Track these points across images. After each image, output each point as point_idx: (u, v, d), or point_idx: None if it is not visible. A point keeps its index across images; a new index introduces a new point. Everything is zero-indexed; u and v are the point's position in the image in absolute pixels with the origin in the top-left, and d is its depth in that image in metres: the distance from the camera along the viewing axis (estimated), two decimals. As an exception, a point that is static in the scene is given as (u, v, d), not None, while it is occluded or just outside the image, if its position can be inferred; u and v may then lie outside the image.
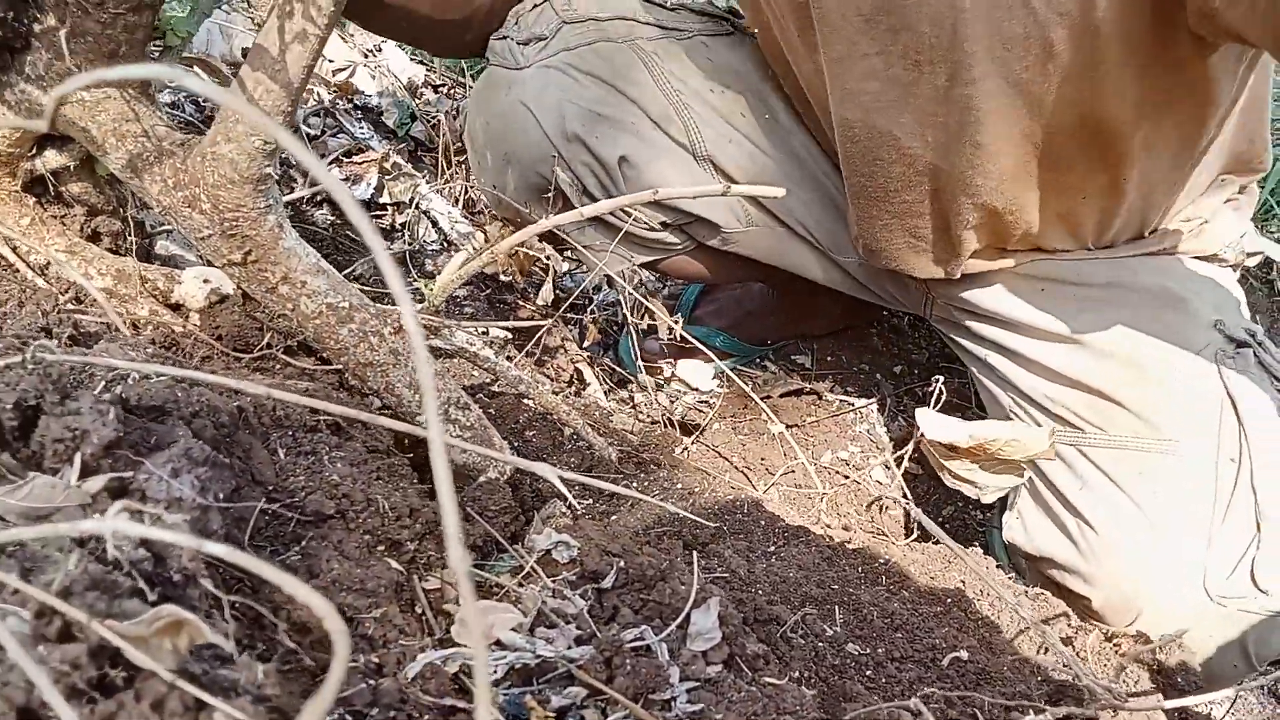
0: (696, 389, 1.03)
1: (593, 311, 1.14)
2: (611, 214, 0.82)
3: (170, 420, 0.37)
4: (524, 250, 0.72)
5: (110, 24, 0.52)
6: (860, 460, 1.00)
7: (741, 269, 0.96)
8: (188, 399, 0.38)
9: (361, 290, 0.57)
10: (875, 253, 0.79)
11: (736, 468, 0.96)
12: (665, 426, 0.96)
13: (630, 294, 0.83)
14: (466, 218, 1.09)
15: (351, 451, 0.45)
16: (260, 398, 0.43)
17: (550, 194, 0.80)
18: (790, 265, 0.91)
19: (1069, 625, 0.63)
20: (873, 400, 1.08)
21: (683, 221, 0.87)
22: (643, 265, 0.92)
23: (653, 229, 0.87)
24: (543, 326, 0.61)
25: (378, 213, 1.03)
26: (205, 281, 0.59)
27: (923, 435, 0.71)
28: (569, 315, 1.22)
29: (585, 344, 1.22)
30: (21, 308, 0.52)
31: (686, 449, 0.93)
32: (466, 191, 1.14)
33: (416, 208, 1.00)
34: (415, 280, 0.88)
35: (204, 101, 0.94)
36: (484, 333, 0.60)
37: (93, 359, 0.35)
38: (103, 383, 0.35)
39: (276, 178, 0.51)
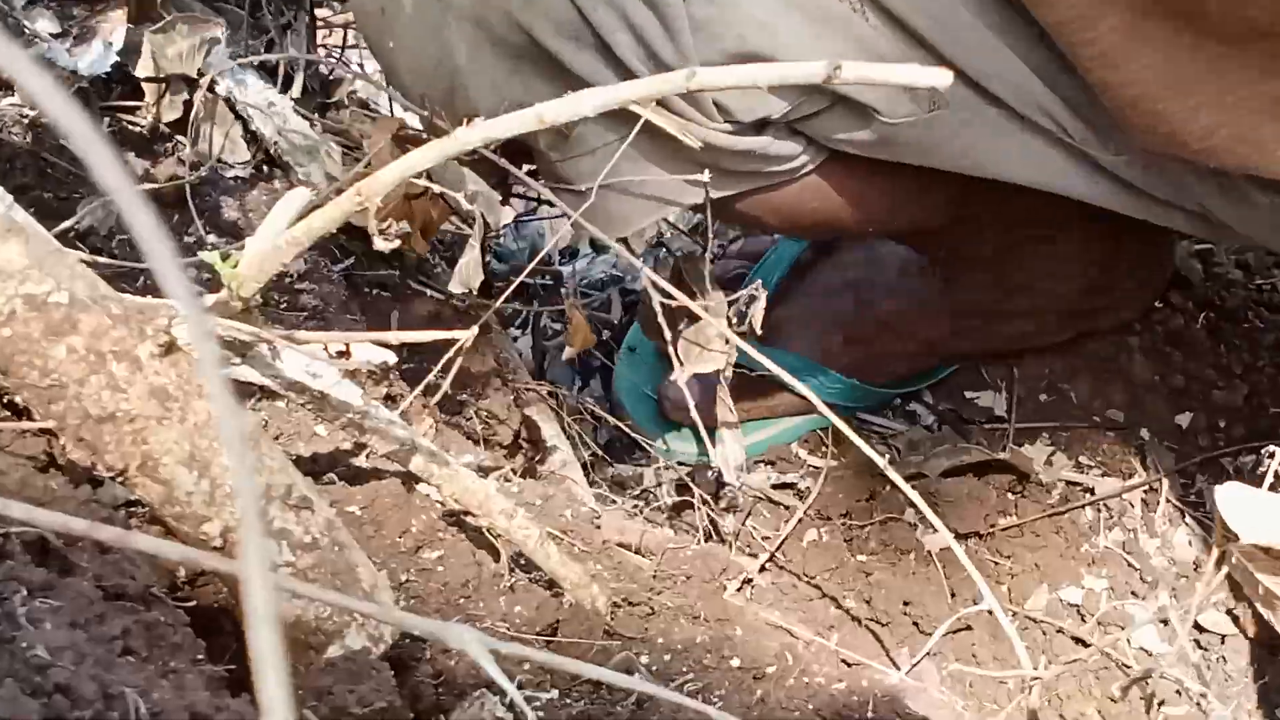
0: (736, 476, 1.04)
1: (569, 297, 1.16)
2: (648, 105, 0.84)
3: None
4: (426, 187, 0.72)
5: None
6: (1109, 604, 1.01)
7: (896, 205, 0.99)
8: None
9: (94, 265, 0.60)
10: (1205, 142, 0.79)
11: (854, 618, 0.99)
12: (705, 537, 0.98)
13: (649, 273, 0.84)
14: (309, 115, 1.11)
15: (74, 599, 0.45)
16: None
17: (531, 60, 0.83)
18: (1003, 174, 0.93)
19: None
20: (1135, 482, 1.10)
21: (806, 112, 0.88)
22: (699, 207, 0.94)
23: (738, 129, 0.89)
24: (457, 341, 0.61)
25: (130, 101, 1.04)
26: None
27: (1229, 534, 0.72)
28: (511, 307, 1.23)
29: (549, 363, 1.22)
30: None
31: (750, 583, 0.94)
32: (312, 65, 1.15)
33: (210, 92, 1.02)
34: (204, 245, 0.88)
35: None
36: (341, 351, 0.61)
37: None
38: None
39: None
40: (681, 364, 0.95)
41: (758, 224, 0.99)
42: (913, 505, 0.92)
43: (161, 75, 0.99)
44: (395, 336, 0.61)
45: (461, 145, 0.52)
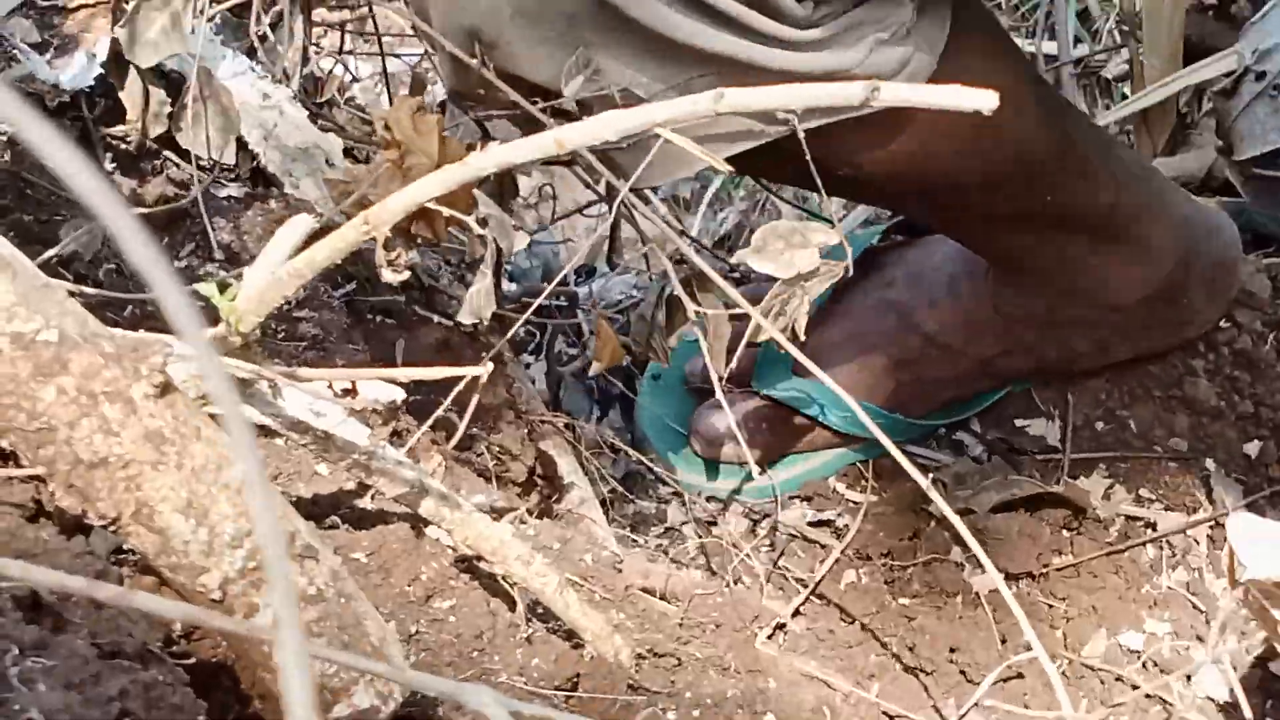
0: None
1: (595, 307, 1.17)
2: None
3: None
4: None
5: None
6: (1173, 651, 1.01)
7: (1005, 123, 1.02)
8: None
9: (81, 295, 0.61)
10: None
11: (897, 666, 1.00)
12: (734, 580, 0.98)
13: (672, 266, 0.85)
14: (313, 108, 1.12)
15: (69, 658, 0.46)
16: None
17: None
18: None
19: None
20: (1200, 517, 1.10)
21: None
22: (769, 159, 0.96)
23: (821, 37, 0.89)
24: (469, 375, 0.62)
25: (116, 114, 1.04)
26: None
27: (1239, 569, 0.73)
28: (524, 330, 1.24)
29: (565, 391, 1.24)
30: None
31: (783, 629, 0.96)
32: (306, 64, 1.16)
33: (200, 96, 1.03)
34: (201, 273, 0.89)
35: None
36: (347, 389, 0.62)
37: None
38: None
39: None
40: (721, 382, 0.96)
41: (852, 178, 0.97)
42: (959, 543, 0.93)
43: (141, 68, 0.99)
44: (404, 373, 0.62)
45: (475, 171, 0.53)
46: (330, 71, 1.32)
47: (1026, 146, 1.01)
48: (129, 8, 1.00)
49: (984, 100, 0.45)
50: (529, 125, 0.93)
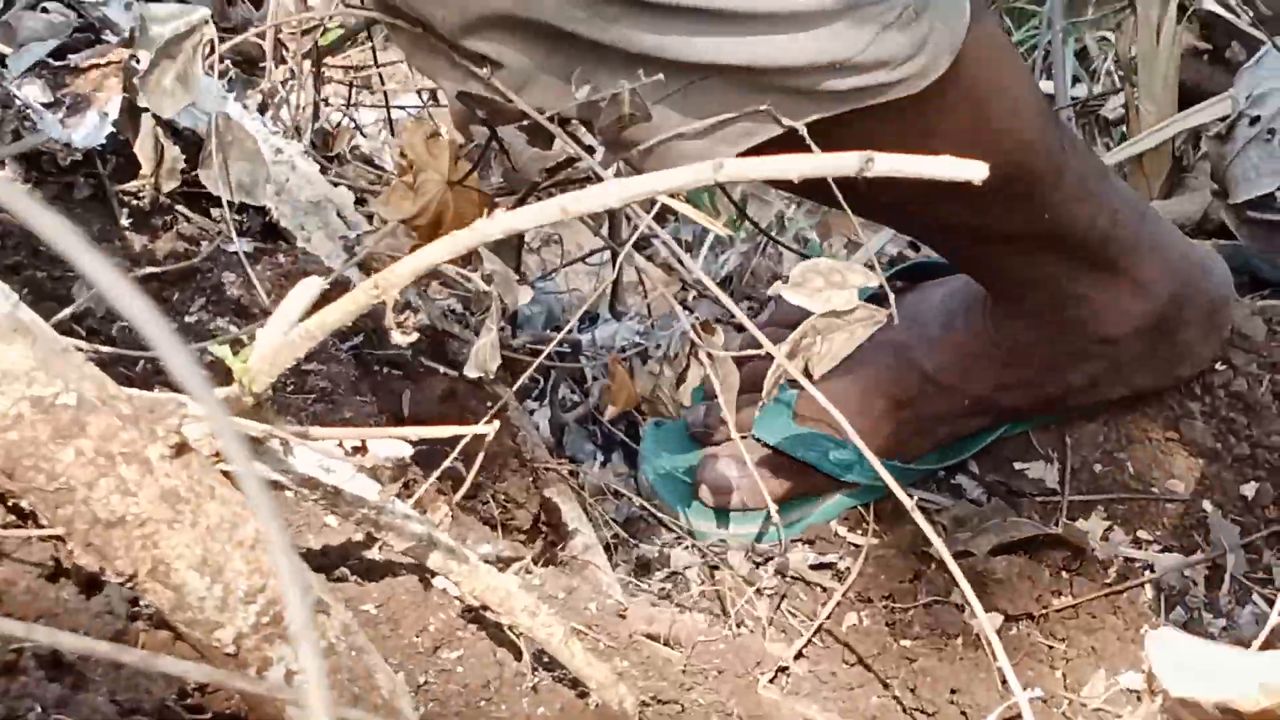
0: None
1: (589, 354, 1.18)
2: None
3: None
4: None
5: None
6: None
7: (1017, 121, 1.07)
8: None
9: (89, 351, 0.62)
10: None
11: (899, 708, 1.00)
12: (736, 625, 1.00)
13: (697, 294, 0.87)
14: (324, 162, 1.14)
15: (90, 717, 0.48)
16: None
17: None
18: None
19: None
20: (1197, 558, 1.12)
21: None
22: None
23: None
24: (476, 434, 0.63)
25: (128, 173, 1.07)
26: None
27: (1157, 686, 0.73)
28: (542, 367, 1.25)
29: (568, 437, 1.25)
30: None
31: (785, 672, 0.97)
32: (316, 118, 1.19)
33: (221, 141, 1.05)
34: (213, 328, 0.91)
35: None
36: (357, 447, 0.63)
37: None
38: None
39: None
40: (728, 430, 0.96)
41: (850, 183, 0.99)
42: (958, 584, 0.95)
43: (161, 117, 1.01)
44: (414, 432, 0.63)
45: (481, 237, 0.54)
46: (339, 124, 1.34)
47: (1026, 155, 1.03)
48: (141, 65, 1.03)
49: (974, 172, 0.47)
50: (535, 136, 0.95)
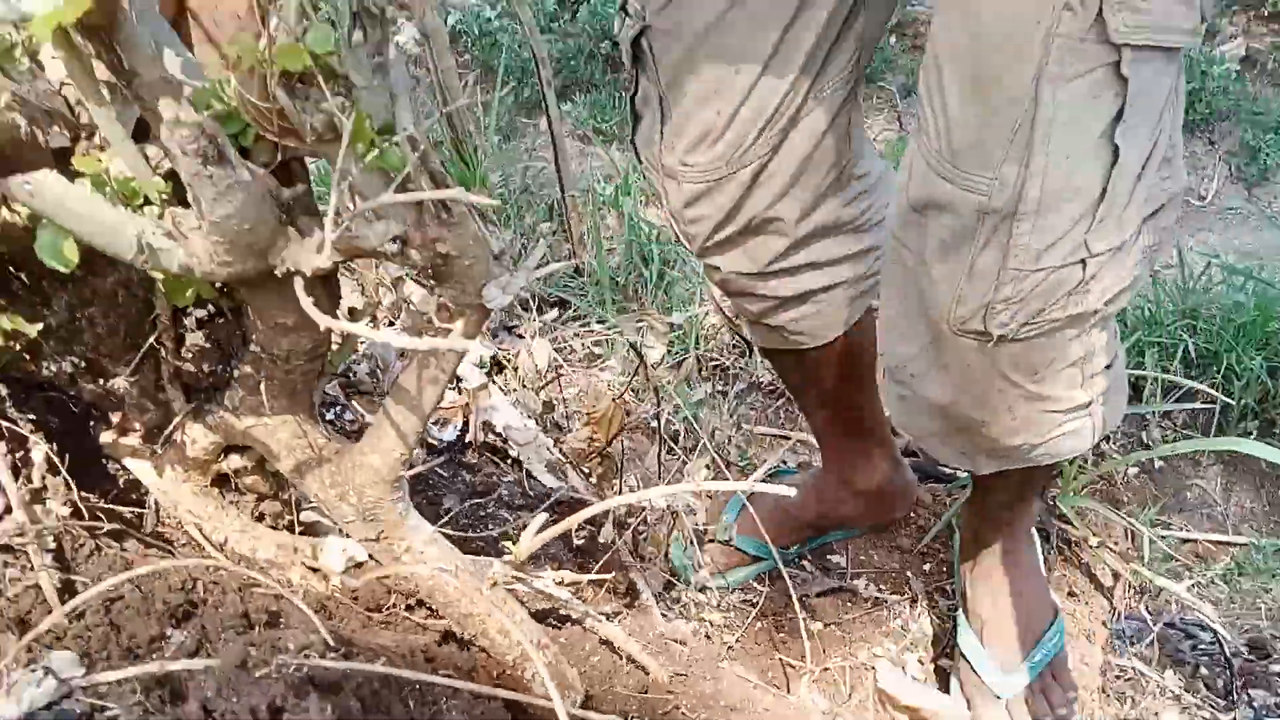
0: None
1: (659, 516, 2.24)
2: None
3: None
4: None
5: (292, 371, 1.60)
6: (896, 657, 2.14)
7: None
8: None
9: (450, 532, 1.54)
10: None
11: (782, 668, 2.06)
12: (704, 637, 1.96)
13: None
14: (556, 437, 2.06)
15: (465, 701, 1.30)
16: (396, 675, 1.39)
17: None
18: None
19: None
20: (904, 596, 2.21)
21: None
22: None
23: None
24: (599, 581, 1.73)
25: (470, 457, 2.09)
26: (344, 551, 1.72)
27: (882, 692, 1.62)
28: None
29: (644, 545, 2.35)
30: (225, 595, 1.54)
31: (729, 651, 2.02)
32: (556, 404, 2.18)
33: (500, 456, 1.94)
34: (506, 527, 1.85)
35: (352, 418, 1.92)
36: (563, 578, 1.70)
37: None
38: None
39: (407, 478, 1.57)
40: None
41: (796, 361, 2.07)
42: (802, 608, 2.03)
43: (482, 437, 2.05)
44: (585, 578, 1.76)
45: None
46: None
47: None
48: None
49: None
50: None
